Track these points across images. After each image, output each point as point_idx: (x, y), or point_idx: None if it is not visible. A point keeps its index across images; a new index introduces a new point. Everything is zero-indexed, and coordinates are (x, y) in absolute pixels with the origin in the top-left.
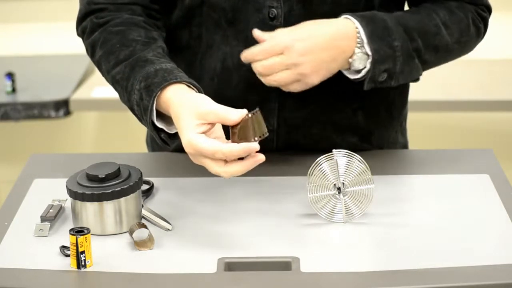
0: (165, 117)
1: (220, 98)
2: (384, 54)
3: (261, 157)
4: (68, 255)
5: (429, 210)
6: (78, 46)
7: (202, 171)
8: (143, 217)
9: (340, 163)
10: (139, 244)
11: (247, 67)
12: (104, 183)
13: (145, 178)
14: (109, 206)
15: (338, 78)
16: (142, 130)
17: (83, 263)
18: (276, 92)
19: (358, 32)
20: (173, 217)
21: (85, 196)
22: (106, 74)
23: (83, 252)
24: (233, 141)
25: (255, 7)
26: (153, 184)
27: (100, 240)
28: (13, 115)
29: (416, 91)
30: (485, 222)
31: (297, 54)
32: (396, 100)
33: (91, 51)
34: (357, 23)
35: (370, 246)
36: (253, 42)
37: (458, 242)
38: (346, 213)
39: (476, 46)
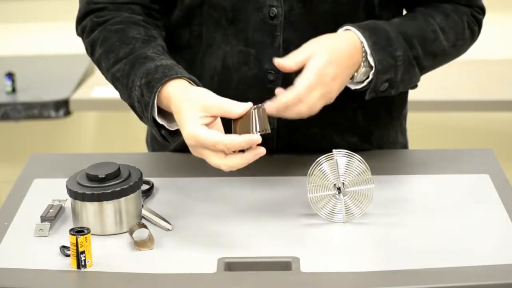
0: (166, 114)
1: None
2: (387, 65)
3: (262, 150)
4: (68, 255)
5: (429, 210)
6: (78, 46)
7: (202, 171)
8: (143, 217)
9: (340, 163)
10: (139, 244)
11: (247, 66)
12: (104, 183)
13: (145, 178)
14: (109, 206)
15: None
16: (142, 130)
17: (83, 263)
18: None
19: (363, 46)
20: (173, 217)
21: (85, 196)
22: (106, 72)
23: (83, 252)
24: (234, 134)
25: (256, 6)
26: (153, 184)
27: (100, 240)
28: (13, 115)
29: (416, 91)
30: (485, 222)
31: (329, 79)
32: (396, 100)
33: (91, 50)
34: (360, 35)
35: (370, 246)
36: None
37: (458, 242)
38: (346, 213)
39: (469, 48)
